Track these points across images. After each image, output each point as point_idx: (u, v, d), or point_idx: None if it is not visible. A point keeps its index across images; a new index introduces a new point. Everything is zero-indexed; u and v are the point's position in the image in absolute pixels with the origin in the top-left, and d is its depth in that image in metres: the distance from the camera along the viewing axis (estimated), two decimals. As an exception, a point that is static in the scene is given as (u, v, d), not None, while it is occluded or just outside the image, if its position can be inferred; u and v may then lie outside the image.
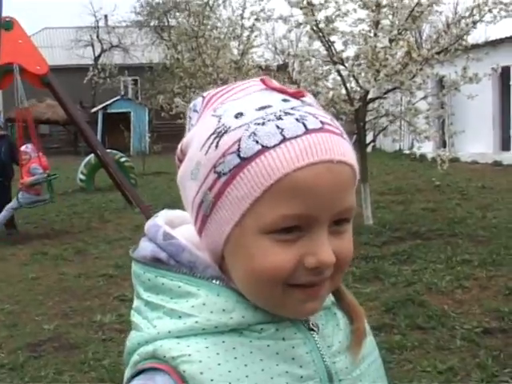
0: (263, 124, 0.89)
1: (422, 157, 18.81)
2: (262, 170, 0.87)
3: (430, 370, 4.74)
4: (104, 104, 30.75)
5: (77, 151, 29.73)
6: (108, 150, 14.44)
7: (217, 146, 0.91)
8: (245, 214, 0.89)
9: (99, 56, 36.97)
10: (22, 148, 11.14)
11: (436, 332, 5.50)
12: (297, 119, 0.90)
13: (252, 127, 0.89)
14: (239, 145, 0.89)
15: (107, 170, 13.34)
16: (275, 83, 0.98)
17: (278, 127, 0.88)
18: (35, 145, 11.41)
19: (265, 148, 0.88)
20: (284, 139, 0.88)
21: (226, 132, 0.91)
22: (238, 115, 0.92)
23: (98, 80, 32.89)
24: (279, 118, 0.90)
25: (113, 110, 30.10)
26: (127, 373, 0.98)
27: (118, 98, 30.96)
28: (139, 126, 27.13)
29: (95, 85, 33.50)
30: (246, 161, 0.88)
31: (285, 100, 0.94)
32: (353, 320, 1.05)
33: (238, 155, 0.89)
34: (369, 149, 11.70)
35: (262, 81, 0.98)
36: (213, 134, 0.92)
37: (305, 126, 0.89)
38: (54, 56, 33.66)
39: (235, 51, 16.36)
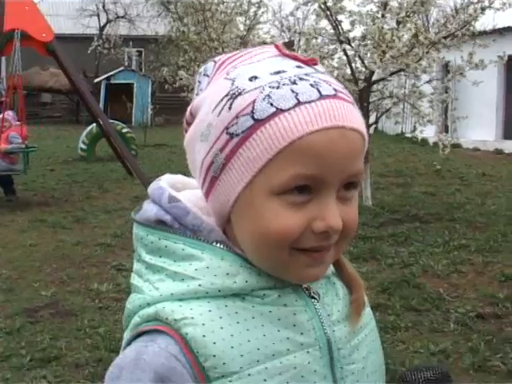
0: (278, 87, 0.90)
1: (424, 141, 18.77)
2: (276, 132, 0.88)
3: (423, 352, 4.78)
4: (107, 74, 30.59)
5: (78, 120, 29.66)
6: (110, 121, 14.39)
7: (230, 108, 0.91)
8: (256, 176, 0.90)
9: (104, 26, 36.72)
10: (4, 114, 10.95)
11: (430, 314, 5.54)
12: (311, 85, 0.91)
13: (267, 90, 0.90)
14: (253, 107, 0.90)
15: (109, 140, 13.31)
16: (288, 51, 0.98)
17: (292, 91, 0.89)
18: (22, 113, 11.24)
19: (279, 111, 0.88)
20: (299, 103, 0.88)
21: (239, 94, 0.91)
22: (253, 78, 0.92)
23: (103, 50, 32.65)
24: (294, 83, 0.90)
25: (116, 81, 29.96)
26: (126, 334, 0.97)
27: (122, 68, 30.78)
28: (142, 97, 27.01)
29: (99, 55, 33.29)
30: (260, 122, 0.89)
31: (298, 66, 0.94)
32: (352, 291, 1.06)
33: (252, 117, 0.89)
34: (371, 130, 11.67)
35: (276, 47, 0.98)
36: (226, 95, 0.93)
37: (319, 91, 0.90)
38: (59, 24, 33.40)
39: (241, 26, 16.27)
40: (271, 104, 0.89)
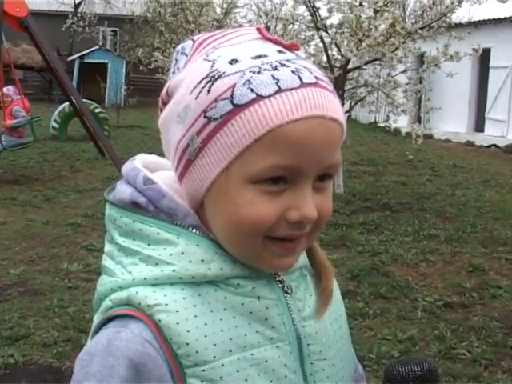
0: (259, 73, 0.88)
1: (396, 131, 18.95)
2: (255, 119, 0.86)
3: (391, 339, 4.83)
4: (81, 53, 30.21)
5: (51, 98, 29.30)
6: (83, 100, 14.25)
7: (209, 91, 0.89)
8: (232, 162, 0.88)
9: (79, 4, 36.16)
10: (4, 90, 10.95)
11: (398, 302, 5.60)
12: (292, 71, 0.88)
13: (247, 74, 0.88)
14: (233, 91, 0.87)
15: (81, 120, 13.18)
16: (270, 35, 0.96)
17: (273, 77, 0.87)
18: (17, 87, 11.25)
19: (260, 97, 0.86)
20: (279, 90, 0.86)
21: (219, 77, 0.89)
22: (233, 61, 0.90)
23: (77, 28, 32.17)
24: (275, 69, 0.88)
25: (90, 60, 29.60)
26: (96, 318, 0.95)
27: (96, 47, 30.43)
28: (116, 77, 26.78)
29: (73, 33, 32.80)
30: (239, 108, 0.87)
31: (280, 51, 0.92)
32: (322, 278, 1.05)
33: (232, 101, 0.87)
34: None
35: (258, 30, 0.96)
36: (205, 78, 0.90)
37: (300, 79, 0.88)
38: (33, 0, 32.97)
39: (218, 10, 16.21)
40: (251, 90, 0.87)
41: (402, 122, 15.00)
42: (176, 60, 1.01)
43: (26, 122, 11.01)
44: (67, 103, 14.60)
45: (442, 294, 5.78)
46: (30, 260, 6.64)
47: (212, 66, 0.91)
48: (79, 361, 0.89)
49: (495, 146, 17.75)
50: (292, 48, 0.94)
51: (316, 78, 0.90)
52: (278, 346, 0.95)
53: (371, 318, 5.23)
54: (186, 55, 0.99)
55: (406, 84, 10.40)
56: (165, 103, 0.99)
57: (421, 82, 11.44)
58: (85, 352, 0.90)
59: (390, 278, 6.14)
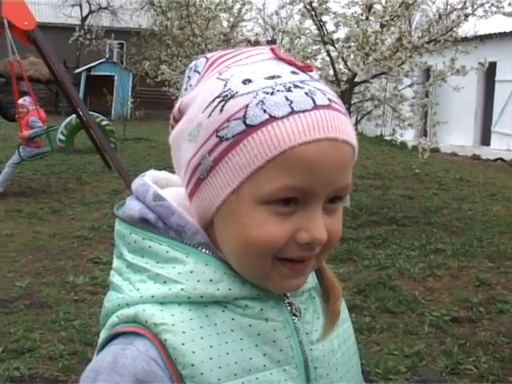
0: (272, 93, 0.88)
1: (403, 144, 18.93)
2: (267, 140, 0.86)
3: (397, 354, 4.81)
4: (88, 66, 30.36)
5: (57, 111, 29.39)
6: (89, 113, 14.28)
7: (221, 110, 0.89)
8: (243, 182, 0.88)
9: (86, 17, 36.44)
10: (20, 101, 11.04)
11: (405, 317, 5.58)
12: (306, 93, 0.89)
13: (260, 95, 0.88)
14: (246, 111, 0.88)
15: (88, 132, 13.21)
16: (284, 54, 0.96)
17: (287, 99, 0.87)
18: (33, 97, 11.33)
19: (272, 118, 0.86)
20: (292, 111, 0.87)
21: (232, 97, 0.89)
22: (246, 81, 0.90)
23: (84, 41, 32.37)
24: (288, 90, 0.88)
25: (97, 73, 29.73)
26: (103, 334, 0.95)
27: (103, 60, 30.57)
28: (122, 90, 26.84)
29: (80, 46, 33.01)
30: (251, 128, 0.87)
31: (294, 72, 0.93)
32: (329, 297, 1.05)
33: (244, 122, 0.87)
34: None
35: (272, 50, 0.96)
36: (218, 97, 0.91)
37: (313, 101, 0.88)
38: (41, 13, 33.11)
39: (225, 23, 16.24)
40: (264, 110, 0.87)
41: (409, 136, 15.00)
42: (189, 77, 1.01)
43: (41, 132, 11.08)
44: (74, 115, 14.64)
45: (449, 309, 5.75)
46: (36, 273, 6.64)
47: (225, 86, 0.91)
48: (85, 378, 0.89)
49: (501, 159, 17.72)
50: (305, 69, 0.94)
51: (329, 100, 0.90)
52: (284, 370, 0.95)
53: (378, 333, 5.21)
54: (199, 73, 0.99)
55: (413, 98, 10.41)
56: (176, 120, 0.99)
57: (427, 96, 11.47)
58: (90, 369, 0.90)
59: (396, 293, 6.12)
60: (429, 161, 11.97)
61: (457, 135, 19.62)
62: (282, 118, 0.86)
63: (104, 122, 16.25)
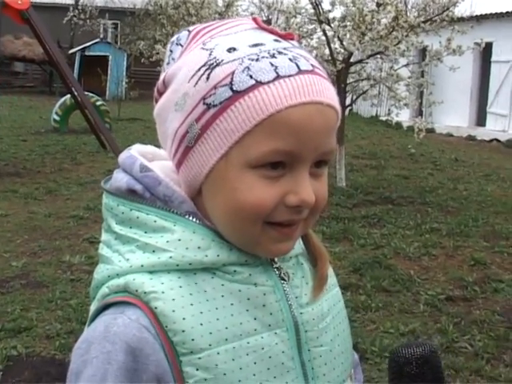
0: (257, 60, 0.90)
1: (398, 124, 18.92)
2: (255, 105, 0.87)
3: (393, 332, 4.84)
4: (82, 46, 30.15)
5: (51, 91, 29.28)
6: (84, 93, 14.22)
7: (208, 78, 0.91)
8: (232, 147, 0.90)
9: (80, -4, 36.18)
10: None
11: (400, 295, 5.60)
12: (290, 59, 0.90)
13: (246, 62, 0.90)
14: (232, 78, 0.89)
15: (83, 112, 13.17)
16: (265, 24, 0.98)
17: (272, 64, 0.89)
18: None
19: (259, 83, 0.88)
20: (278, 76, 0.88)
21: (218, 65, 0.91)
22: (231, 49, 0.92)
23: (78, 21, 32.09)
24: (273, 56, 0.90)
25: (91, 53, 29.54)
26: (93, 306, 0.96)
27: (97, 40, 30.37)
28: (117, 70, 26.70)
29: (74, 26, 32.72)
30: (238, 94, 0.88)
31: (276, 40, 0.94)
32: (317, 263, 1.07)
33: (231, 88, 0.89)
34: (346, 112, 11.68)
35: (254, 20, 0.98)
36: (203, 66, 0.92)
37: (298, 66, 0.90)
38: (34, -8, 32.89)
39: (220, 2, 16.15)
40: (250, 76, 0.88)
41: (404, 116, 14.98)
42: (171, 51, 1.02)
43: None
44: (68, 96, 14.58)
45: (444, 288, 5.78)
46: (32, 252, 6.64)
47: (210, 55, 0.92)
48: (77, 349, 0.90)
49: (496, 140, 17.73)
50: (287, 37, 0.96)
51: (312, 65, 0.93)
52: (275, 333, 0.96)
53: (373, 311, 5.23)
54: (182, 46, 1.00)
55: (409, 78, 10.39)
56: (161, 93, 1.00)
57: (423, 76, 11.43)
58: (82, 340, 0.90)
59: (392, 272, 6.14)
60: (424, 141, 12.00)
61: (452, 116, 19.60)
62: (268, 82, 0.88)
63: (99, 103, 16.18)
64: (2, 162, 12.12)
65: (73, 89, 12.74)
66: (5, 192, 9.47)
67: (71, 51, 30.72)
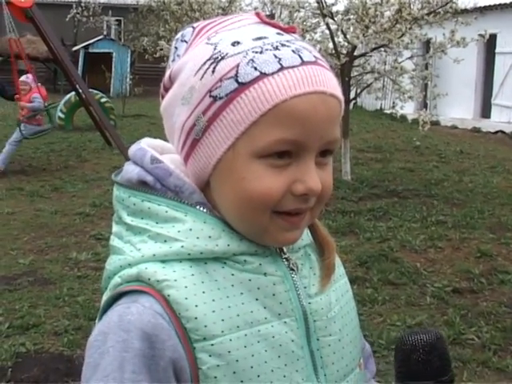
0: (261, 52, 0.92)
1: (403, 117, 18.88)
2: (260, 96, 0.90)
3: (400, 325, 4.85)
4: (86, 43, 30.15)
5: (56, 89, 29.30)
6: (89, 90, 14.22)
7: (213, 71, 0.93)
8: (239, 138, 0.92)
9: (83, -7, 36.15)
10: (22, 78, 11.14)
11: (407, 288, 5.61)
12: (293, 51, 0.93)
13: (250, 54, 0.92)
14: (237, 70, 0.91)
15: (87, 109, 13.17)
16: (268, 19, 1.01)
17: (275, 56, 0.91)
18: (34, 75, 11.38)
19: (263, 75, 0.90)
20: (282, 68, 0.91)
21: (222, 58, 0.93)
22: (235, 43, 0.94)
23: (81, 18, 32.06)
24: (276, 49, 0.93)
25: (95, 50, 29.53)
26: (105, 296, 0.97)
27: (101, 37, 30.36)
28: (121, 67, 26.73)
29: (78, 23, 32.71)
30: (244, 86, 0.91)
31: (279, 33, 0.97)
32: (324, 252, 1.09)
33: (236, 80, 0.91)
34: (350, 106, 11.67)
35: (257, 14, 1.00)
36: (209, 59, 0.94)
37: (301, 57, 0.93)
38: (37, -10, 32.88)
39: (223, -3, 16.14)
40: (255, 68, 0.91)
41: (409, 109, 14.96)
42: (176, 47, 1.04)
43: (40, 109, 11.17)
44: (73, 93, 14.58)
45: (451, 280, 5.78)
46: (39, 250, 6.67)
47: (215, 49, 0.95)
48: (94, 342, 0.90)
49: (502, 131, 17.66)
50: (289, 30, 0.98)
51: (315, 56, 0.95)
52: (285, 322, 0.97)
53: (380, 304, 5.24)
54: (186, 42, 1.02)
55: (413, 70, 10.36)
56: (167, 89, 1.02)
57: (427, 68, 11.41)
58: (98, 333, 0.90)
59: (398, 265, 6.15)
60: (429, 134, 11.98)
61: (457, 108, 19.55)
62: (273, 73, 0.90)
63: (103, 99, 16.18)
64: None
65: (77, 86, 12.74)
66: (11, 190, 9.51)
67: (75, 48, 30.73)
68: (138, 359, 0.86)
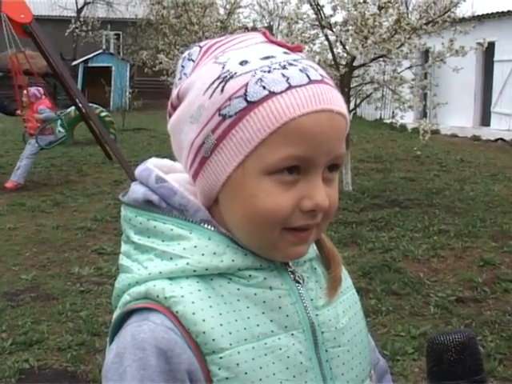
0: (269, 71, 0.93)
1: (403, 127, 18.89)
2: (269, 114, 0.91)
3: (404, 335, 4.83)
4: (85, 57, 30.25)
5: (55, 104, 29.36)
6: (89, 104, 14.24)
7: (222, 90, 0.94)
8: (248, 156, 0.93)
9: (82, 8, 36.15)
10: (33, 90, 11.30)
11: (411, 298, 5.59)
12: (300, 70, 0.95)
13: (259, 73, 0.93)
14: (246, 89, 0.93)
15: (87, 124, 13.20)
16: (274, 38, 1.02)
17: (283, 75, 0.93)
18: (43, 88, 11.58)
19: (272, 93, 0.92)
20: (290, 87, 0.92)
21: (231, 77, 0.94)
22: (243, 62, 0.96)
23: (80, 33, 32.25)
24: (284, 68, 0.94)
25: (94, 64, 29.65)
26: (115, 314, 0.98)
27: (100, 51, 30.47)
28: (120, 81, 26.81)
29: (77, 38, 32.85)
30: (253, 104, 0.92)
31: (286, 52, 0.99)
32: (330, 265, 1.10)
33: (245, 99, 0.93)
34: (350, 116, 11.66)
35: (263, 33, 1.02)
36: (217, 79, 0.95)
37: (308, 76, 0.94)
38: (36, 6, 32.93)
39: (222, 10, 16.21)
40: (264, 87, 0.92)
41: (408, 119, 14.96)
42: (183, 66, 1.06)
43: (52, 119, 11.38)
44: (73, 108, 14.60)
45: (454, 289, 5.77)
46: (41, 265, 6.66)
47: (223, 68, 0.96)
48: (111, 364, 0.91)
49: (502, 139, 17.68)
50: (295, 50, 1.01)
51: (321, 75, 0.97)
52: (292, 334, 0.99)
53: (384, 315, 5.22)
54: (194, 61, 1.04)
55: (412, 80, 10.38)
56: (174, 107, 1.03)
57: (426, 78, 11.42)
58: (114, 355, 0.91)
59: (401, 275, 6.13)
60: (429, 143, 11.97)
61: (457, 116, 19.56)
62: (281, 92, 0.92)
63: (103, 114, 16.22)
64: (9, 175, 12.15)
65: (77, 100, 12.75)
66: (12, 205, 9.51)
67: (74, 63, 30.84)
68: (157, 375, 0.88)
